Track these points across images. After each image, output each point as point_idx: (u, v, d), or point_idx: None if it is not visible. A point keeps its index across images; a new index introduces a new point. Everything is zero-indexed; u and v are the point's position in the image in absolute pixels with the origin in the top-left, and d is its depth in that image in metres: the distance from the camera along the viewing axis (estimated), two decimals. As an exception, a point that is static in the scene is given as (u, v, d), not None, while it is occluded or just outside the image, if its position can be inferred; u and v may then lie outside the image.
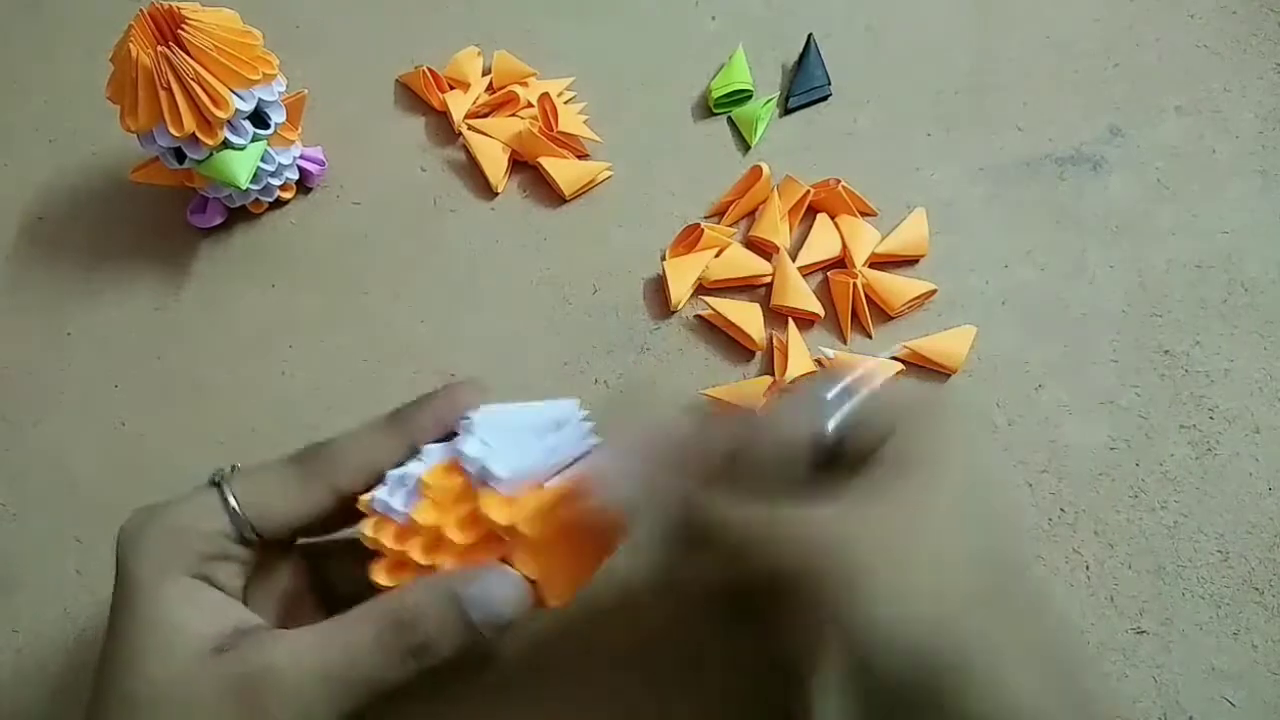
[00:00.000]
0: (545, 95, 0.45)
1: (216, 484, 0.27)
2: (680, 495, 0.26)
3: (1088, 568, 0.36)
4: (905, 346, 0.39)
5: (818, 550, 0.24)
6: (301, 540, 0.30)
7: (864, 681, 0.23)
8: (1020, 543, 0.26)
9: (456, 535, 0.26)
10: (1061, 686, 0.24)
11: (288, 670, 0.24)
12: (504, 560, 0.27)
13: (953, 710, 0.22)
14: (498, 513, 0.26)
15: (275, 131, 0.41)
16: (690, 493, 0.26)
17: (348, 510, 0.28)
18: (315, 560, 0.31)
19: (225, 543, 0.27)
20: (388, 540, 0.27)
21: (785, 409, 0.28)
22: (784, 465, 0.26)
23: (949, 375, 0.39)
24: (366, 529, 0.27)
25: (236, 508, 0.26)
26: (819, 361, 0.39)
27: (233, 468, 0.28)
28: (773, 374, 0.39)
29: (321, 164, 0.45)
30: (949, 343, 0.39)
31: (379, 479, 0.28)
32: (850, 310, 0.40)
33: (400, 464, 0.28)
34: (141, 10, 0.37)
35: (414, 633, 0.25)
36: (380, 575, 0.27)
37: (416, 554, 0.27)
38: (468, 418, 0.28)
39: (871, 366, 0.28)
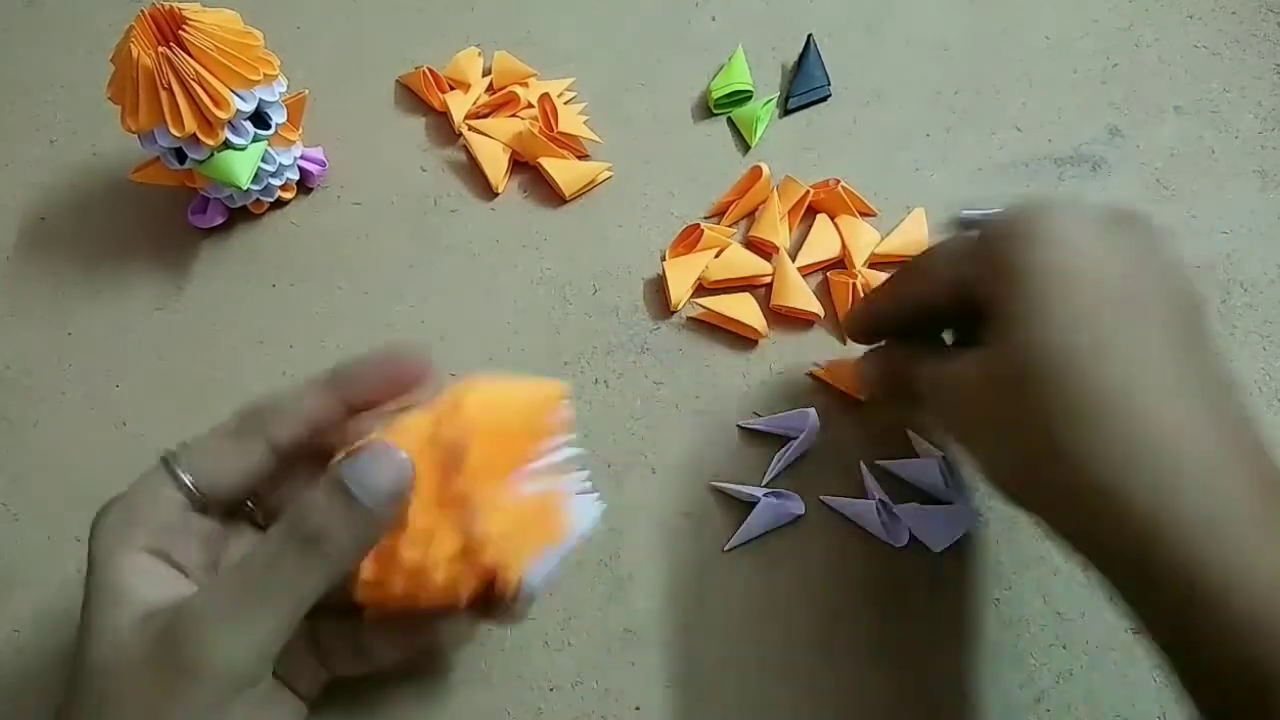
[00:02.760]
0: (545, 95, 0.45)
1: (164, 460, 0.28)
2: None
3: (1088, 567, 0.36)
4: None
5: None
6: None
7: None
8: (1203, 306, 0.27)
9: (422, 521, 0.26)
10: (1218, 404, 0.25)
11: (201, 612, 0.24)
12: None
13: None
14: (486, 527, 0.26)
15: (276, 132, 0.41)
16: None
17: (291, 472, 0.29)
18: None
19: (179, 514, 0.27)
20: None
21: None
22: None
23: None
24: None
25: (185, 478, 0.27)
26: (811, 374, 0.40)
27: (182, 444, 0.28)
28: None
29: (322, 164, 0.45)
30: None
31: (316, 433, 0.28)
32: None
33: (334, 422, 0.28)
34: (142, 11, 0.37)
35: (306, 524, 0.24)
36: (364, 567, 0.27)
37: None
38: None
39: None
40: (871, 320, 0.35)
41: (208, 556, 0.28)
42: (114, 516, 0.27)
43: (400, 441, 0.26)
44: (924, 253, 0.31)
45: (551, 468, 0.29)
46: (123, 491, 0.28)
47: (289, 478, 0.30)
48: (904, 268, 0.32)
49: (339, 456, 0.26)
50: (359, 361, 0.29)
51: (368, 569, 0.27)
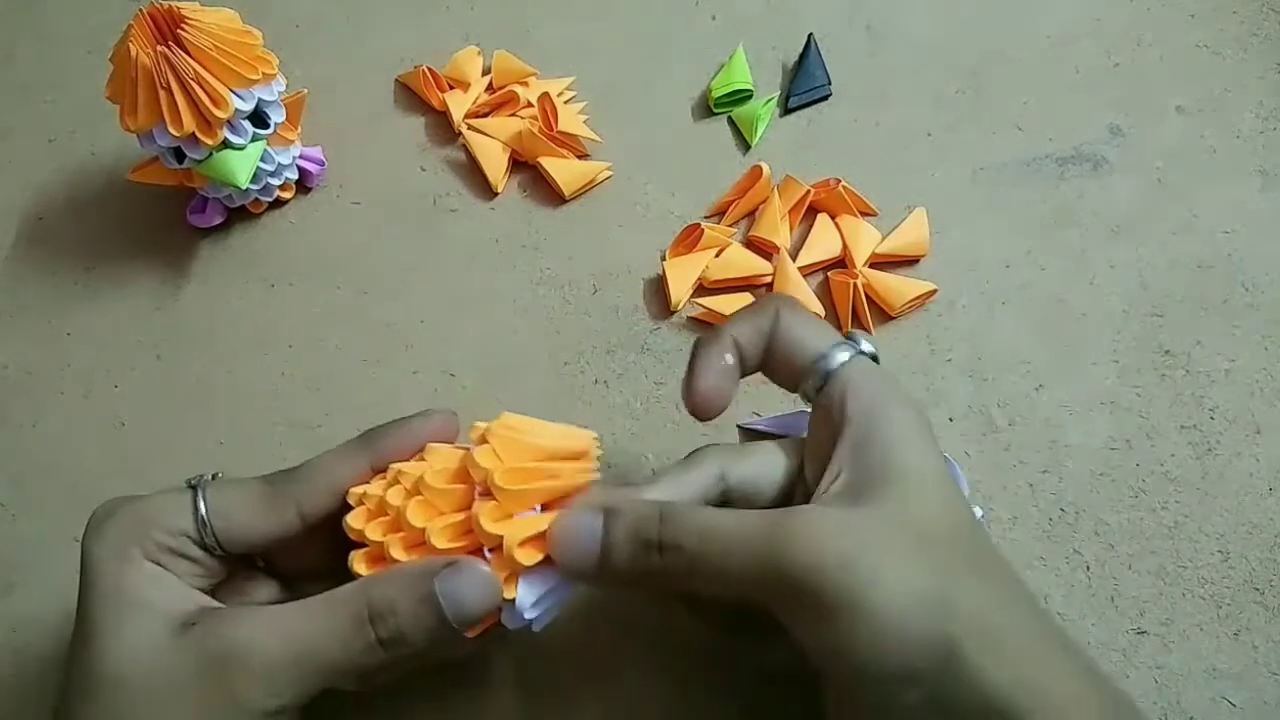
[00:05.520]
0: (545, 95, 0.45)
1: (193, 487, 0.27)
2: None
3: (1088, 568, 0.36)
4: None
5: (794, 558, 0.23)
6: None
7: (873, 688, 0.23)
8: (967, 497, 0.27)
9: (439, 541, 0.26)
10: (1065, 651, 0.24)
11: (256, 648, 0.24)
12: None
13: (970, 687, 0.22)
14: (491, 526, 0.26)
15: (275, 131, 0.41)
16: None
17: (312, 536, 0.28)
18: (291, 585, 0.31)
19: (186, 543, 0.27)
20: (371, 532, 0.27)
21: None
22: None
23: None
24: (352, 519, 0.28)
25: (204, 512, 0.27)
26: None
27: (214, 475, 0.28)
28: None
29: (321, 164, 0.45)
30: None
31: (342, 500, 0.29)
32: (850, 310, 0.40)
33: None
34: (141, 10, 0.37)
35: (385, 624, 0.25)
36: (360, 565, 0.27)
37: (397, 550, 0.27)
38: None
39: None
40: None
41: (203, 585, 0.28)
42: (119, 524, 0.26)
43: (432, 472, 0.27)
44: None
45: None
46: (130, 496, 0.28)
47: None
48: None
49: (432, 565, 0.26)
50: (393, 426, 0.29)
51: (362, 566, 0.27)
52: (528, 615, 0.27)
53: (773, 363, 0.29)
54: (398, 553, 0.27)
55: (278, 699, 0.24)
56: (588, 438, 0.29)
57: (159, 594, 0.25)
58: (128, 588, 0.25)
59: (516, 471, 0.26)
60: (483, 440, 0.27)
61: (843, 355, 0.27)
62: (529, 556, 0.26)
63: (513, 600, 0.26)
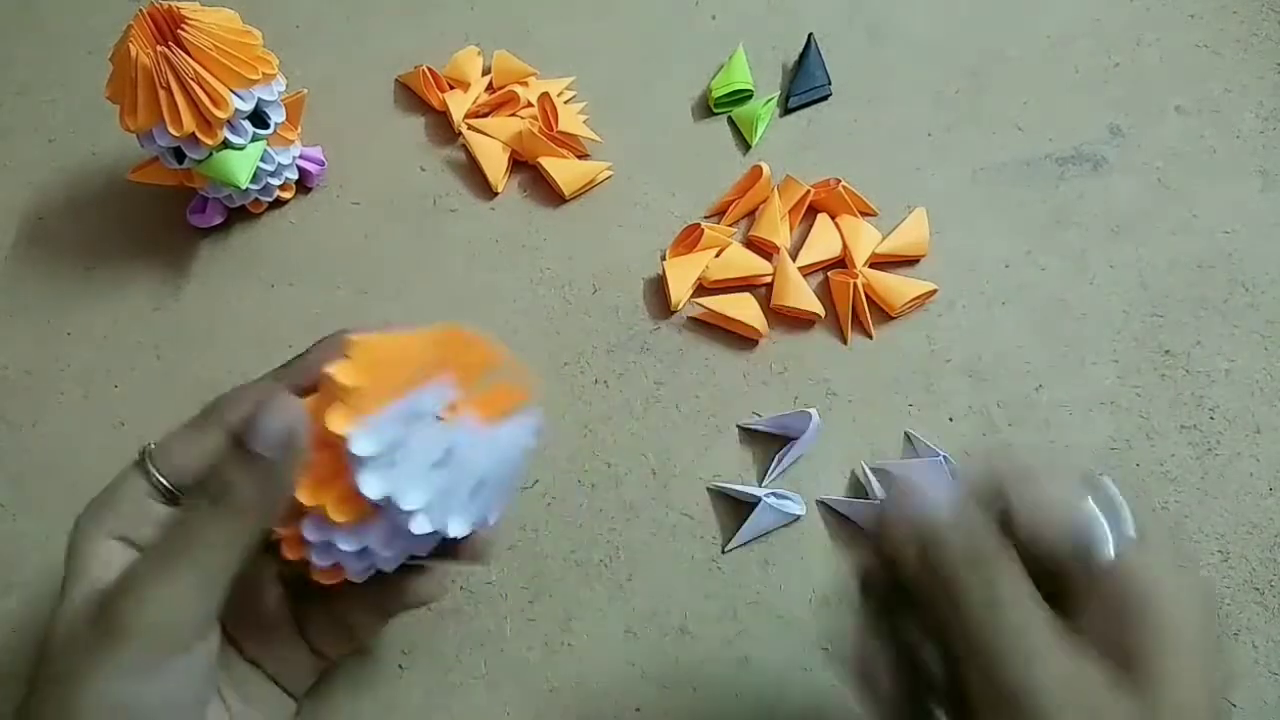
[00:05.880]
0: (545, 95, 0.45)
1: (139, 458, 0.29)
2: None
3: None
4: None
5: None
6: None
7: None
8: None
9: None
10: None
11: (129, 574, 0.25)
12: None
13: None
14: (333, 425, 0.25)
15: (275, 131, 0.41)
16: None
17: None
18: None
19: (147, 504, 0.28)
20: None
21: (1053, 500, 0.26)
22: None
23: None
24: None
25: (154, 473, 0.28)
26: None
27: (157, 443, 0.29)
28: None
29: (321, 164, 0.45)
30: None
31: None
32: (850, 310, 0.40)
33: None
34: (141, 10, 0.37)
35: (213, 483, 0.25)
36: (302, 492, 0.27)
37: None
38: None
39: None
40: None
41: None
42: (89, 512, 0.28)
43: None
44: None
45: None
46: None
47: None
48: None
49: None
50: (307, 352, 0.30)
51: (282, 527, 0.27)
52: (405, 505, 0.25)
53: (1013, 535, 0.26)
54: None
55: (155, 614, 0.24)
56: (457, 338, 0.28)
57: (97, 566, 0.26)
58: (79, 565, 0.26)
59: (363, 370, 0.25)
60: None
61: (1109, 550, 0.25)
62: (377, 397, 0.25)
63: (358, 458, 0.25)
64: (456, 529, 0.27)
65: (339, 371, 0.25)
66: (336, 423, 0.25)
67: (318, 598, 0.30)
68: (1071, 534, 0.25)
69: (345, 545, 0.26)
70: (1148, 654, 0.24)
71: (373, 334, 0.27)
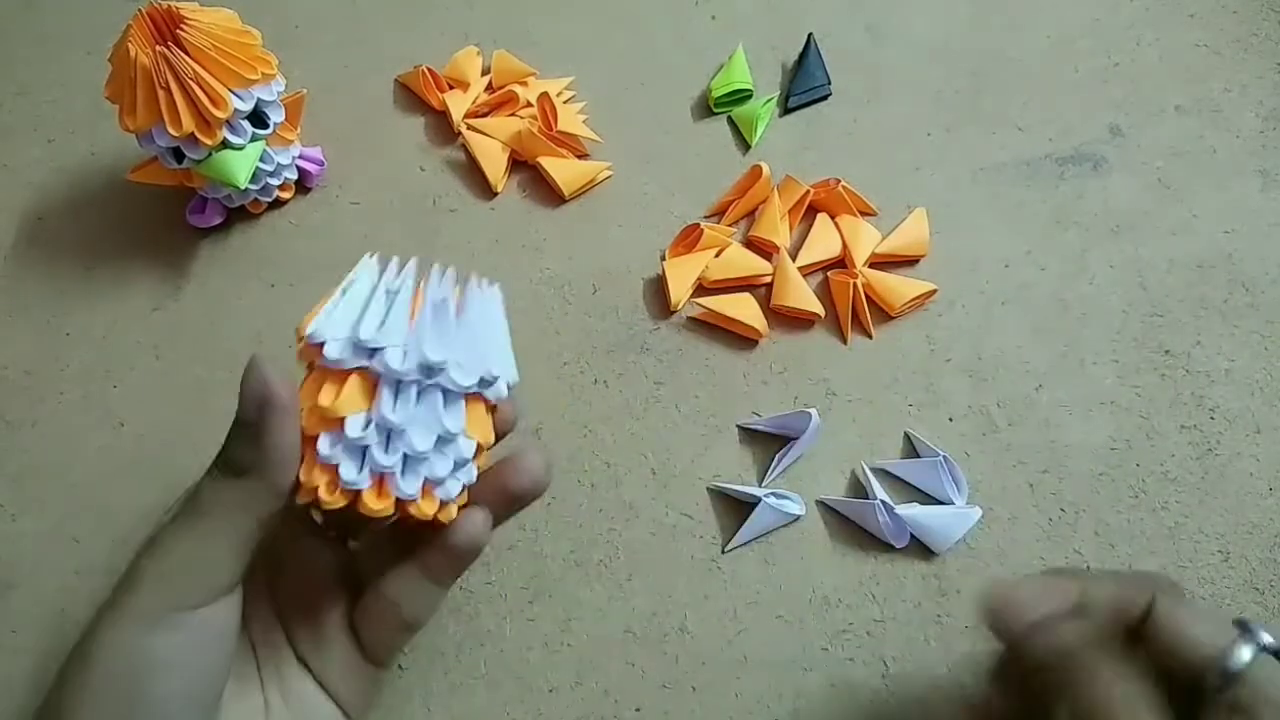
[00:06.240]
0: (545, 95, 0.45)
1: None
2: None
3: (1088, 568, 0.36)
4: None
5: None
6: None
7: None
8: None
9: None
10: None
11: (156, 531, 0.25)
12: None
13: None
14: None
15: (274, 131, 0.41)
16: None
17: None
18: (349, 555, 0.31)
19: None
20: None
21: (1198, 621, 0.26)
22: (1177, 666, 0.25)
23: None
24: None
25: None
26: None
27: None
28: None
29: (320, 164, 0.45)
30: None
31: None
32: (850, 310, 0.40)
33: None
34: (140, 10, 0.37)
35: (220, 454, 0.26)
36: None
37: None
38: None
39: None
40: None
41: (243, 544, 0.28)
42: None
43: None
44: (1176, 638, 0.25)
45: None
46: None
47: None
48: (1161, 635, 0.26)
49: None
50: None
51: (306, 480, 0.26)
52: (388, 346, 0.25)
53: (1153, 649, 0.26)
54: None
55: (167, 565, 0.25)
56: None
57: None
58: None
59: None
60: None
61: (1245, 653, 0.25)
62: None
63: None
64: (469, 374, 0.25)
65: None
66: (303, 325, 0.25)
67: (367, 586, 0.29)
68: (1207, 639, 0.25)
69: (368, 437, 0.25)
70: None
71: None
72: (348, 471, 0.25)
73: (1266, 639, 0.25)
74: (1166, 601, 0.26)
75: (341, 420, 0.25)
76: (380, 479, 0.25)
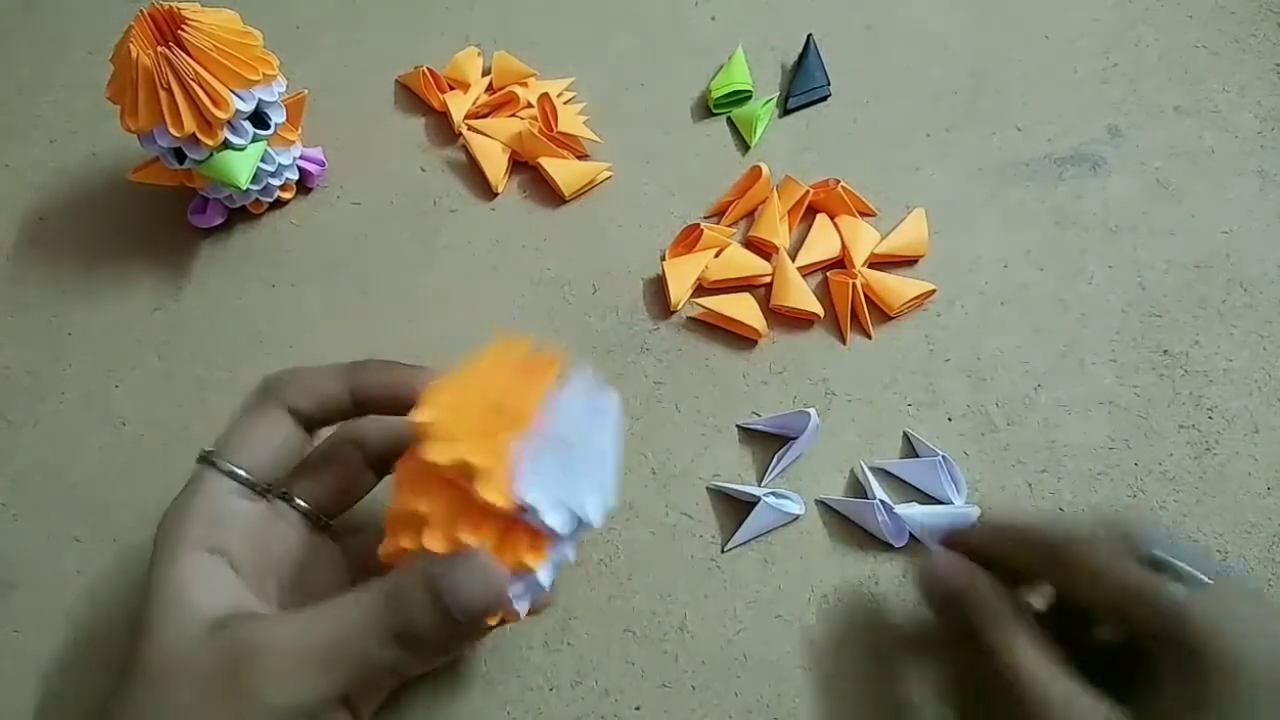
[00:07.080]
0: (545, 95, 0.45)
1: (202, 458, 0.28)
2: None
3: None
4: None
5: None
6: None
7: None
8: None
9: (431, 542, 0.26)
10: None
11: (274, 650, 0.25)
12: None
13: None
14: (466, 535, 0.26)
15: (275, 132, 0.41)
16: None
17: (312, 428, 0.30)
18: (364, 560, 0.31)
19: (229, 502, 0.28)
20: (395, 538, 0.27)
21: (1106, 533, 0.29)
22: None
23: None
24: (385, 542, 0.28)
25: (224, 464, 0.28)
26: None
27: (212, 446, 0.29)
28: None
29: (321, 164, 0.45)
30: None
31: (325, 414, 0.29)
32: (850, 310, 0.40)
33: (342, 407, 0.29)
34: (141, 11, 0.37)
35: (396, 617, 0.25)
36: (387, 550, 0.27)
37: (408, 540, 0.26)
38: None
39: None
40: (985, 553, 0.31)
41: (257, 554, 0.28)
42: (166, 524, 0.27)
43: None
44: (1090, 552, 0.28)
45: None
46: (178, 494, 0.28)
47: (326, 467, 0.31)
48: (1065, 555, 0.29)
49: (431, 556, 0.26)
50: (381, 366, 0.30)
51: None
52: (588, 516, 0.26)
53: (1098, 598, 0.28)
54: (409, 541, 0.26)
55: (295, 696, 0.24)
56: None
57: (198, 591, 0.26)
58: (173, 584, 0.26)
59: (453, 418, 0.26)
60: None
61: (1176, 590, 0.26)
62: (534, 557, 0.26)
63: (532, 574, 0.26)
64: (596, 512, 0.27)
65: (441, 437, 0.25)
66: (494, 495, 0.25)
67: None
68: (1136, 588, 0.27)
69: (544, 578, 0.27)
70: (1212, 698, 0.25)
71: (442, 380, 0.27)
72: (522, 604, 0.27)
73: (1201, 579, 0.27)
74: (1076, 558, 0.28)
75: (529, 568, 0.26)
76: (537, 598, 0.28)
